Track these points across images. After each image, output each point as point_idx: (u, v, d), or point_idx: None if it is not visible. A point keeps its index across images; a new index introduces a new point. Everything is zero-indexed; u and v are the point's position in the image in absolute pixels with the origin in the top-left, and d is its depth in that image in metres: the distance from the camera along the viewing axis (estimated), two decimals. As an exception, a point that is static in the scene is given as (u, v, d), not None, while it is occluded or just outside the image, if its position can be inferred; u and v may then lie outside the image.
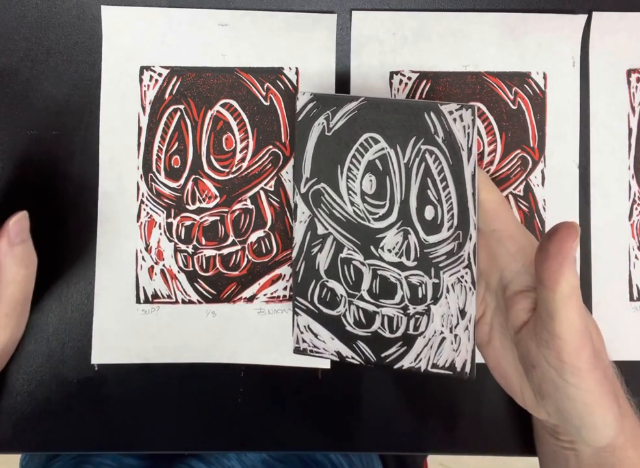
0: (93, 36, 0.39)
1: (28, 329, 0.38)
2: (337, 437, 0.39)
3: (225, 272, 0.39)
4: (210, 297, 0.39)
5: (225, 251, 0.39)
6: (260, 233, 0.39)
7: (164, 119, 0.39)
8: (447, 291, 0.33)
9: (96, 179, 0.39)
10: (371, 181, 0.33)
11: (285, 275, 0.39)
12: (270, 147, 0.39)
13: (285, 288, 0.39)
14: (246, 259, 0.39)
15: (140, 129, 0.39)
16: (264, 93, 0.39)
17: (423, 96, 0.39)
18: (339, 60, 0.39)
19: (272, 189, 0.39)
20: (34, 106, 0.39)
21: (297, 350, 0.35)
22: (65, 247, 0.39)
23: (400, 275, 0.33)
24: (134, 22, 0.39)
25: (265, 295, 0.39)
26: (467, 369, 0.33)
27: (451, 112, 0.31)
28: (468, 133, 0.31)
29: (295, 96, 0.34)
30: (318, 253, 0.34)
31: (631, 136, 0.39)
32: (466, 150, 0.31)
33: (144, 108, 0.39)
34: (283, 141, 0.39)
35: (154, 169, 0.39)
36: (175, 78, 0.39)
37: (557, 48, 0.39)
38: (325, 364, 0.39)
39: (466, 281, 0.32)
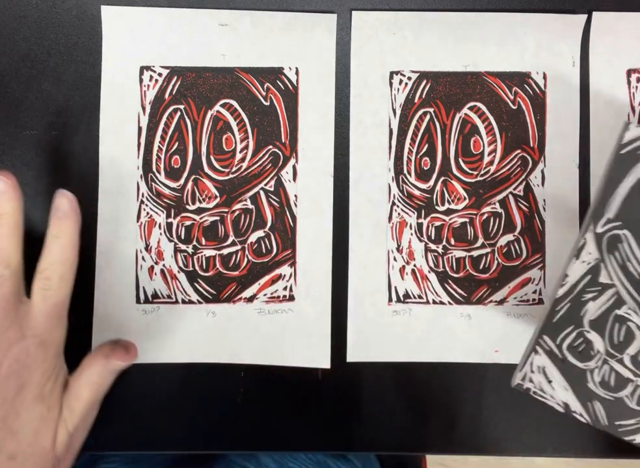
0: (93, 36, 0.39)
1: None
2: (337, 437, 0.39)
3: (225, 272, 0.39)
4: (210, 297, 0.39)
5: (225, 251, 0.39)
6: (260, 233, 0.39)
7: (164, 119, 0.39)
8: None
9: (96, 179, 0.39)
10: None
11: (285, 275, 0.39)
12: (270, 147, 0.39)
13: (285, 288, 0.39)
14: (246, 259, 0.39)
15: (140, 129, 0.39)
16: (264, 93, 0.39)
17: (423, 96, 0.39)
18: (339, 60, 0.39)
19: (272, 189, 0.39)
20: (34, 106, 0.39)
21: (519, 387, 0.32)
22: (65, 247, 0.39)
23: None
24: (134, 22, 0.39)
25: (265, 295, 0.39)
26: None
27: None
28: None
29: (625, 124, 0.30)
30: (590, 301, 0.31)
31: (631, 136, 0.39)
32: None
33: (144, 108, 0.39)
34: (283, 141, 0.39)
35: (154, 169, 0.39)
36: (175, 78, 0.39)
37: (557, 48, 0.39)
38: (325, 364, 0.39)
39: None
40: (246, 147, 0.39)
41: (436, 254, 0.39)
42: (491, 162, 0.39)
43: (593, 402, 0.31)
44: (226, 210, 0.39)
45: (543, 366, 0.32)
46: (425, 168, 0.39)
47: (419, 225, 0.39)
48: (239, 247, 0.39)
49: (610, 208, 0.30)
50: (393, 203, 0.39)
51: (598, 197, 0.31)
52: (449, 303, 0.39)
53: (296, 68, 0.39)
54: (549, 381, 0.32)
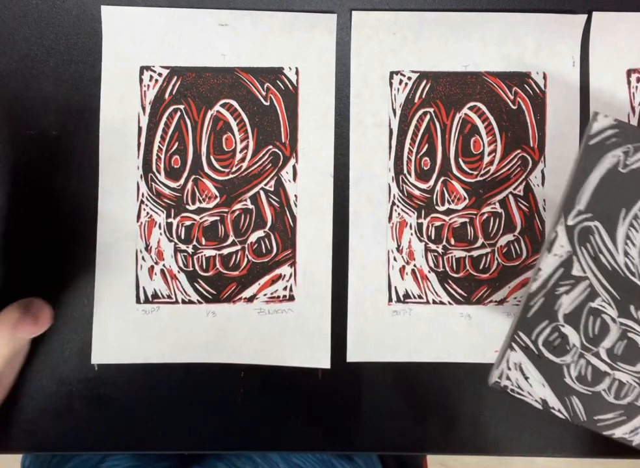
0: (93, 36, 0.39)
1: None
2: (337, 437, 0.39)
3: (225, 272, 0.39)
4: (210, 297, 0.39)
5: (225, 251, 0.39)
6: (260, 233, 0.39)
7: (164, 119, 0.39)
8: None
9: (96, 179, 0.39)
10: None
11: (285, 275, 0.39)
12: (270, 147, 0.39)
13: (285, 288, 0.39)
14: (246, 259, 0.39)
15: (140, 129, 0.39)
16: (264, 93, 0.39)
17: (423, 96, 0.39)
18: (339, 60, 0.39)
19: (272, 189, 0.39)
20: (34, 106, 0.39)
21: (497, 385, 0.32)
22: (65, 247, 0.39)
23: None
24: (134, 22, 0.39)
25: (265, 295, 0.39)
26: None
27: None
28: None
29: (593, 114, 0.30)
30: (564, 295, 0.30)
31: (631, 136, 0.39)
32: None
33: (144, 108, 0.39)
34: (283, 141, 0.39)
35: (154, 169, 0.39)
36: (175, 78, 0.39)
37: (557, 48, 0.39)
38: (325, 364, 0.39)
39: None
40: (246, 147, 0.39)
41: (436, 254, 0.39)
42: (491, 162, 0.39)
43: (571, 397, 0.31)
44: (226, 210, 0.39)
45: (519, 363, 0.31)
46: (425, 168, 0.39)
47: (419, 225, 0.39)
48: (239, 247, 0.39)
49: (580, 200, 0.30)
50: (393, 203, 0.39)
51: (568, 189, 0.30)
52: (449, 303, 0.39)
53: (296, 68, 0.39)
54: (526, 378, 0.31)
